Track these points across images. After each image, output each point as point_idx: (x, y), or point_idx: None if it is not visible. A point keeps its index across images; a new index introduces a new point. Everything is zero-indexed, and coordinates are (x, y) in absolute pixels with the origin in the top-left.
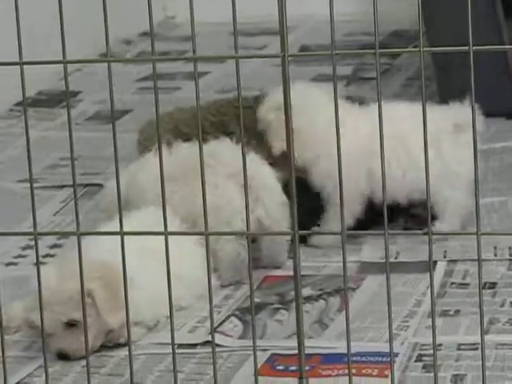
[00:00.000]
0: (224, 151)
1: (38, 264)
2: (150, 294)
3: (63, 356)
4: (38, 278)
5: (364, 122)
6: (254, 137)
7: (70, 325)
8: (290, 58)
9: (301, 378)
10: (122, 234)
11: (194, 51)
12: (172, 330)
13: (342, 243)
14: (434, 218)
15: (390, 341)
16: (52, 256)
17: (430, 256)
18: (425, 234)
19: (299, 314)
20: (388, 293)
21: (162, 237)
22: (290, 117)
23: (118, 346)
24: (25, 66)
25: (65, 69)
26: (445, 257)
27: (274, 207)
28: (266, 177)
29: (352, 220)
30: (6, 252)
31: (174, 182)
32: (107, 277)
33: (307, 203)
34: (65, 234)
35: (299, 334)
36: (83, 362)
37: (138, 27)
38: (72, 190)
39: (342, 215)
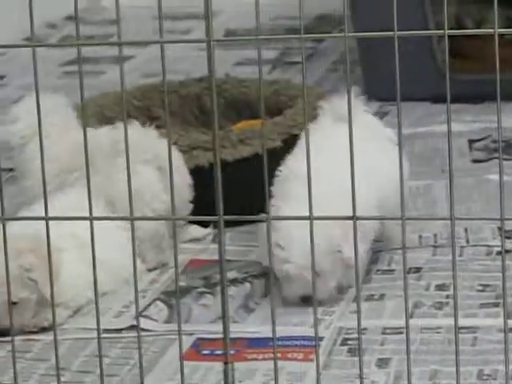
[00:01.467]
0: (135, 136)
1: None
2: (71, 276)
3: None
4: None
5: None
6: (178, 121)
7: (13, 303)
8: (215, 43)
9: (226, 363)
10: (46, 219)
11: (119, 36)
12: (97, 314)
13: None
14: None
15: (315, 324)
16: None
17: (356, 244)
18: (351, 218)
19: (224, 298)
20: (313, 280)
21: (82, 222)
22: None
23: (43, 330)
24: None
25: None
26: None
27: (185, 190)
28: (177, 160)
29: None
30: None
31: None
32: (41, 250)
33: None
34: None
35: (224, 318)
36: (8, 347)
37: (63, 11)
38: None
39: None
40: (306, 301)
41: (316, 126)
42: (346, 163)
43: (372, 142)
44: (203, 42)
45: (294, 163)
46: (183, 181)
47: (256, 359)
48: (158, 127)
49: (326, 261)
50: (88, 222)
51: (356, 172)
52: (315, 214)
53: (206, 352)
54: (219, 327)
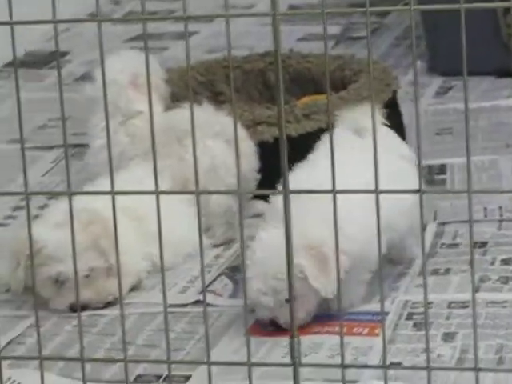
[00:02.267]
0: (202, 113)
1: (29, 224)
2: (129, 249)
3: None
4: (29, 238)
5: None
6: (242, 96)
7: (86, 276)
8: (280, 17)
9: (292, 336)
10: (113, 193)
11: (185, 10)
12: (163, 288)
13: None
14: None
15: (382, 299)
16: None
17: (421, 216)
18: (417, 191)
19: (290, 273)
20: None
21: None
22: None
23: (108, 304)
24: (8, 28)
25: (55, 29)
26: (435, 218)
27: (253, 158)
28: (242, 132)
29: None
30: None
31: (164, 148)
32: (103, 222)
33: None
34: (56, 194)
35: (290, 293)
36: (74, 322)
37: None
38: (61, 150)
39: None
40: (274, 325)
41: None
42: (354, 178)
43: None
44: (268, 15)
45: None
46: (250, 149)
47: (320, 333)
48: (221, 102)
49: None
50: (147, 197)
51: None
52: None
53: (271, 328)
54: None
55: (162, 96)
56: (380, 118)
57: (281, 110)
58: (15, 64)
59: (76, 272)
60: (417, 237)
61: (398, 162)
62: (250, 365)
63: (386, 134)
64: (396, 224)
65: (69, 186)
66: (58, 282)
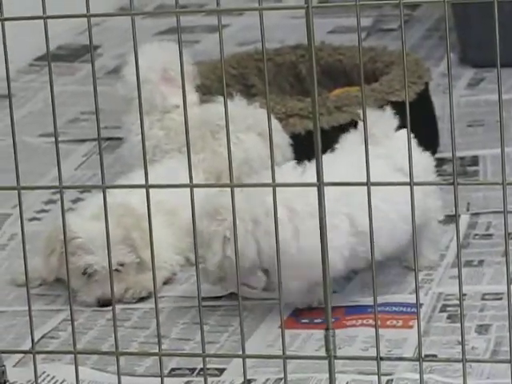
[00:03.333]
0: (235, 107)
1: (63, 217)
2: (161, 242)
3: (103, 303)
4: (63, 230)
5: None
6: (274, 89)
7: (115, 270)
8: (314, 9)
9: (327, 329)
10: (147, 187)
11: (218, 3)
12: (198, 281)
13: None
14: None
15: (417, 290)
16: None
17: (456, 206)
18: (450, 184)
19: (325, 266)
20: (414, 244)
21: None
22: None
23: (141, 299)
24: (42, 21)
25: (89, 22)
26: (468, 209)
27: (287, 149)
28: (275, 124)
29: None
30: (29, 207)
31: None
32: (134, 216)
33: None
34: (90, 188)
35: (325, 287)
36: (107, 315)
37: None
38: (93, 144)
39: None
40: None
41: (343, 143)
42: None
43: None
44: (302, 8)
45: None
46: (284, 141)
47: (355, 326)
48: (253, 95)
49: None
50: (181, 191)
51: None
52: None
53: (305, 320)
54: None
55: (195, 85)
56: (394, 123)
57: (315, 103)
58: (48, 58)
59: (110, 265)
60: (431, 241)
61: (395, 175)
62: (285, 358)
63: (393, 144)
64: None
65: (103, 180)
66: (86, 273)
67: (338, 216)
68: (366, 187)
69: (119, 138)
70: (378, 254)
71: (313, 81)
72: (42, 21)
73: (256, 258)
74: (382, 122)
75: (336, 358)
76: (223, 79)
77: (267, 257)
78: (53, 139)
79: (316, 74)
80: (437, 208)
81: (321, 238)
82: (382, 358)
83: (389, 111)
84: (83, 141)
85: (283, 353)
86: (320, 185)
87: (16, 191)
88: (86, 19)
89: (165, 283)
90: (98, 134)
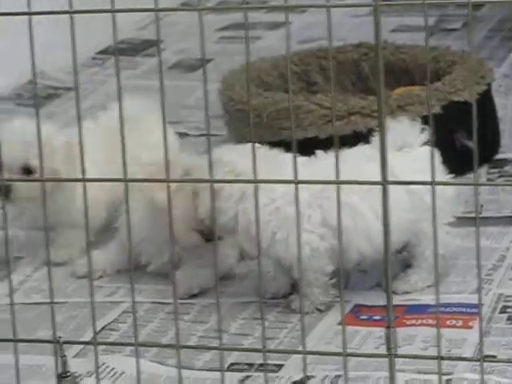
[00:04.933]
0: None
1: (127, 208)
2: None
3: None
4: (127, 223)
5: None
6: (336, 87)
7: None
8: (382, 7)
9: (388, 327)
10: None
11: (286, 0)
12: (259, 277)
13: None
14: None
15: (479, 290)
16: None
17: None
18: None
19: (387, 264)
20: (477, 244)
21: None
22: None
23: (193, 296)
24: (103, 16)
25: (156, 17)
26: None
27: None
28: None
29: None
30: None
31: None
32: None
33: None
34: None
35: (387, 284)
36: (167, 308)
37: None
38: None
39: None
40: None
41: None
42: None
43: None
44: (370, 6)
45: None
46: None
47: (414, 325)
48: (314, 92)
49: None
50: None
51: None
52: None
53: (364, 317)
54: (377, 294)
55: None
56: (424, 136)
57: (381, 101)
58: (116, 51)
59: (173, 257)
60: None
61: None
62: (345, 355)
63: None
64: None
65: (167, 171)
66: None
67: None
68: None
69: (180, 133)
70: (355, 253)
71: (379, 79)
72: (104, 15)
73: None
74: (412, 134)
75: (397, 356)
76: (288, 76)
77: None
78: None
79: (377, 72)
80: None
81: (384, 235)
82: (442, 358)
83: (419, 125)
84: None
85: (344, 350)
86: (384, 183)
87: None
88: (147, 14)
89: (222, 279)
90: (164, 127)
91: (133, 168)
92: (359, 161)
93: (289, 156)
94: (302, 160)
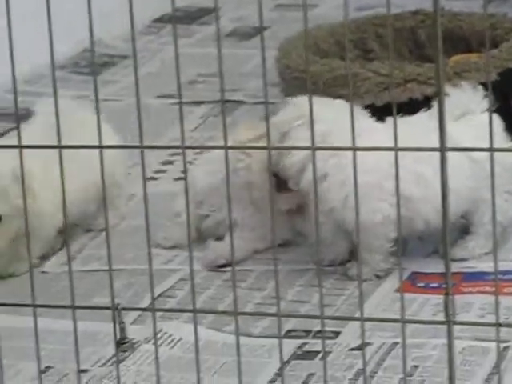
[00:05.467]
0: None
1: (185, 177)
2: None
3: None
4: (185, 190)
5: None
6: (393, 54)
7: None
8: None
9: (447, 294)
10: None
11: None
12: (316, 245)
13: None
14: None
15: None
16: None
17: None
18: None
19: (446, 231)
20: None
21: None
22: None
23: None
24: None
25: None
26: None
27: None
28: None
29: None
30: (146, 167)
31: None
32: None
33: None
34: (211, 148)
35: (445, 251)
36: (224, 276)
37: None
38: (210, 106)
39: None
40: None
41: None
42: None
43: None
44: None
45: None
46: None
47: (471, 292)
48: (370, 60)
49: None
50: None
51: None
52: None
53: (421, 285)
54: (434, 261)
55: None
56: (484, 103)
57: (439, 68)
58: (173, 20)
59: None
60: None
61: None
62: (403, 321)
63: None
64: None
65: (225, 141)
66: None
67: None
68: None
69: (237, 101)
70: (421, 223)
71: (438, 45)
72: None
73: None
74: (474, 101)
75: (455, 323)
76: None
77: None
78: (169, 100)
79: (434, 39)
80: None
81: (442, 202)
82: (500, 325)
83: (481, 91)
84: (200, 103)
85: (402, 317)
86: (442, 150)
87: (138, 150)
88: None
89: (280, 246)
90: (222, 96)
91: None
92: (424, 128)
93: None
94: (378, 126)
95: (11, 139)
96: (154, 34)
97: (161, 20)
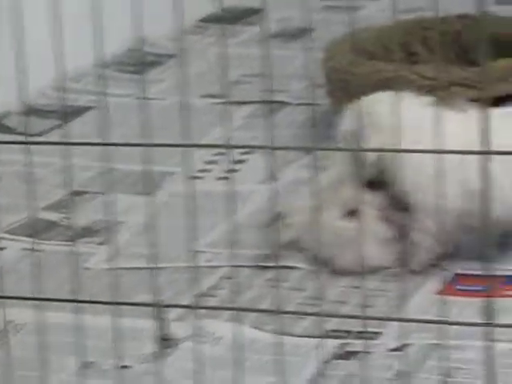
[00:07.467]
0: None
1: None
2: None
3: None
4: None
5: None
6: (438, 58)
7: None
8: None
9: (489, 296)
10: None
11: None
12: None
13: None
14: None
15: None
16: (236, 171)
17: None
18: None
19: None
20: None
21: None
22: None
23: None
24: None
25: None
26: None
27: None
28: None
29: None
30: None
31: None
32: None
33: None
34: (257, 148)
35: (488, 254)
36: (265, 275)
37: None
38: (253, 106)
39: None
40: None
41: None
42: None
43: None
44: None
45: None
46: None
47: None
48: (414, 63)
49: None
50: None
51: None
52: None
53: (462, 287)
54: (476, 264)
55: None
56: None
57: (485, 72)
58: (222, 21)
59: None
60: None
61: None
62: (444, 323)
63: None
64: None
65: (272, 141)
66: None
67: None
68: None
69: (280, 102)
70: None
71: (483, 50)
72: None
73: None
74: None
75: (497, 325)
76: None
77: None
78: (214, 100)
79: (480, 43)
80: None
81: (484, 201)
82: None
83: None
84: (244, 103)
85: (443, 318)
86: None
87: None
88: None
89: None
90: (269, 97)
91: None
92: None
93: None
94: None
95: None
96: (200, 34)
97: (207, 20)
